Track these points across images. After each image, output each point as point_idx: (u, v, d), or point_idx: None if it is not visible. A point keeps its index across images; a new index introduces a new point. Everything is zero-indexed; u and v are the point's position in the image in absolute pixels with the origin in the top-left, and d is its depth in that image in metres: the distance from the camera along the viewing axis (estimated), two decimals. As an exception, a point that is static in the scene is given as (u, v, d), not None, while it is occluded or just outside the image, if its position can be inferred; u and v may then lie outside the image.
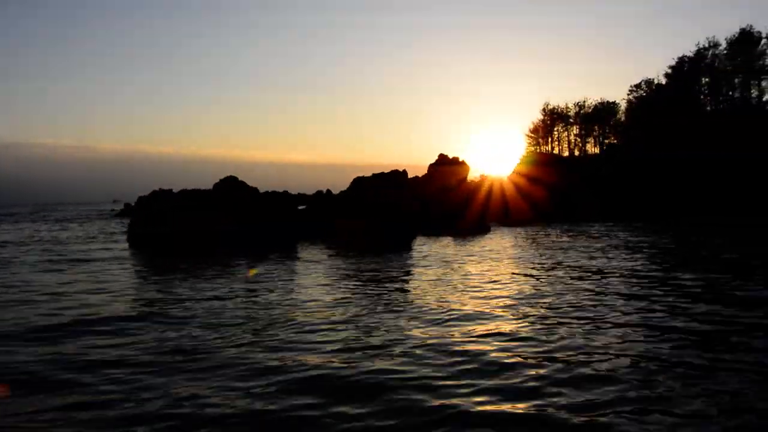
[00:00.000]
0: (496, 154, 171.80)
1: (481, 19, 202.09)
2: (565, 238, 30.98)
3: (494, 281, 15.47)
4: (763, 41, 68.41)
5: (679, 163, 66.19)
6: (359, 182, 33.83)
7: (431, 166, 69.74)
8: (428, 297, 12.96)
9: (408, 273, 17.65)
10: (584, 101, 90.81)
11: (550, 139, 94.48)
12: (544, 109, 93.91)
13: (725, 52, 70.63)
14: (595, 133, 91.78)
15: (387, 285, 14.84)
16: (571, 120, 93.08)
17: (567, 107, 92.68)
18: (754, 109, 68.20)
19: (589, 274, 16.66)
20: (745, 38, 68.70)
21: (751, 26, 69.11)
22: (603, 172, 62.32)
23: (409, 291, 14.08)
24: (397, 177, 33.00)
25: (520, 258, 21.22)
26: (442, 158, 73.11)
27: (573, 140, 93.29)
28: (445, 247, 26.41)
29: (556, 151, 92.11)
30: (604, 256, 21.60)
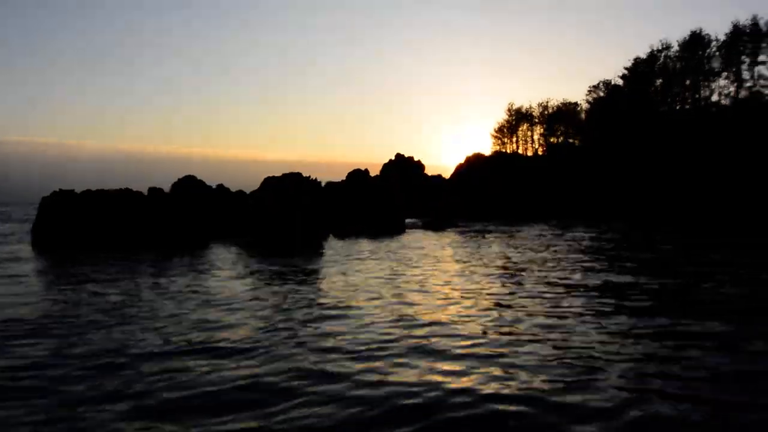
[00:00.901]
0: (464, 152, 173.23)
1: (454, 16, 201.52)
2: (479, 237, 31.84)
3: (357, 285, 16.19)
4: (713, 44, 69.44)
5: (625, 164, 67.30)
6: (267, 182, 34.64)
7: (385, 166, 70.61)
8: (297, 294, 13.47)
9: (304, 271, 18.37)
10: (547, 101, 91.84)
11: (515, 139, 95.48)
12: (509, 109, 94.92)
13: (677, 54, 71.64)
14: (559, 132, 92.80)
15: (280, 281, 15.40)
16: (536, 120, 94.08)
17: (531, 107, 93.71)
18: (702, 111, 69.22)
19: (439, 273, 17.39)
20: (695, 41, 69.70)
21: (701, 29, 70.15)
22: (543, 173, 63.12)
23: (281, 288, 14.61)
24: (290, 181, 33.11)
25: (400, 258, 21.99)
26: (399, 158, 74.04)
27: (537, 140, 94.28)
28: (344, 248, 27.17)
29: (521, 150, 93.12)
30: (478, 254, 22.42)
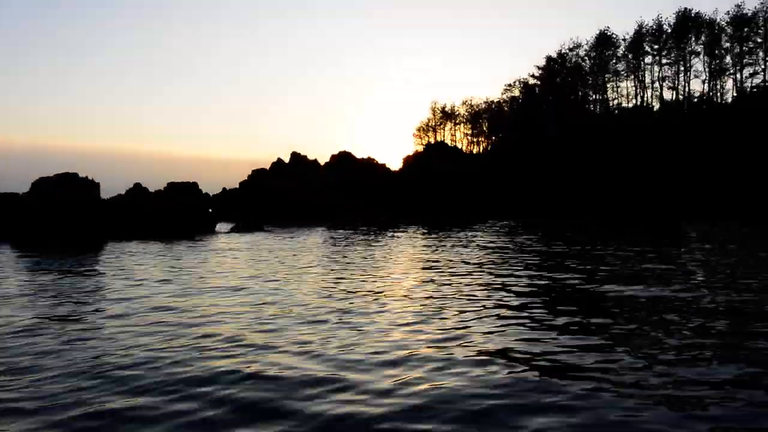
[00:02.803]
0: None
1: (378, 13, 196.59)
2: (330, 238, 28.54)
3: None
4: (622, 44, 67.61)
5: (535, 165, 65.22)
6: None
7: (273, 164, 67.55)
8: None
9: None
10: (471, 99, 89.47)
11: (439, 138, 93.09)
12: (432, 108, 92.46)
13: (585, 53, 69.74)
14: (485, 131, 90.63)
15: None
16: (461, 119, 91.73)
17: (454, 106, 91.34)
18: (606, 112, 67.51)
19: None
20: (603, 41, 67.80)
21: (608, 27, 68.33)
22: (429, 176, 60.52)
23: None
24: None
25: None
26: (295, 157, 70.97)
27: (462, 138, 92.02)
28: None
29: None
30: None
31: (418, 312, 10.05)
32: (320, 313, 9.97)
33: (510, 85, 78.73)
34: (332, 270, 16.32)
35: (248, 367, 6.75)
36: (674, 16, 63.98)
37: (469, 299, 11.24)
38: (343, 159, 48.89)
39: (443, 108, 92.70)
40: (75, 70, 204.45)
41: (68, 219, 28.61)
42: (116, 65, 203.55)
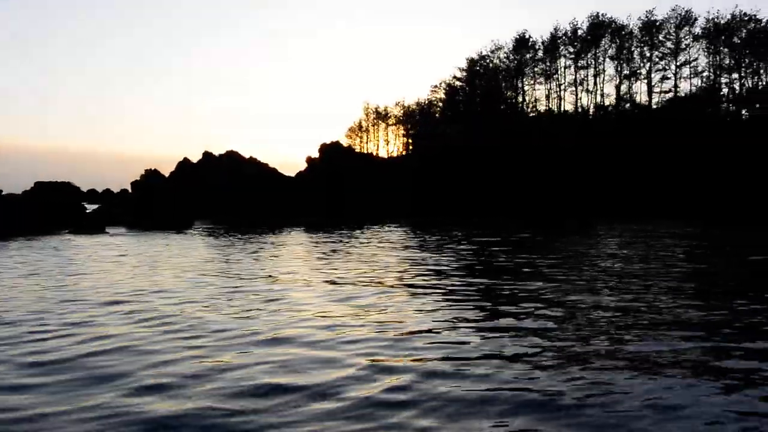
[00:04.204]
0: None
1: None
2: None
3: None
4: (540, 47, 67.90)
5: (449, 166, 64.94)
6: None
7: (179, 164, 65.74)
8: None
9: None
10: (403, 100, 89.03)
11: (372, 139, 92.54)
12: (365, 109, 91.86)
13: (506, 55, 69.87)
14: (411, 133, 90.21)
15: None
16: (395, 119, 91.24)
17: (386, 107, 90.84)
18: (525, 114, 67.79)
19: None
20: (521, 44, 68.00)
21: (525, 30, 68.61)
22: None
23: None
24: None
25: None
26: (206, 156, 69.12)
27: (394, 140, 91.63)
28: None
29: (376, 151, 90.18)
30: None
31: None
32: None
33: (436, 86, 78.50)
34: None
35: None
36: (588, 20, 64.62)
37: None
38: (231, 159, 47.53)
39: (376, 109, 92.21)
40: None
41: None
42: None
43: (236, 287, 12.80)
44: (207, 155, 64.13)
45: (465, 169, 63.61)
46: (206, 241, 27.50)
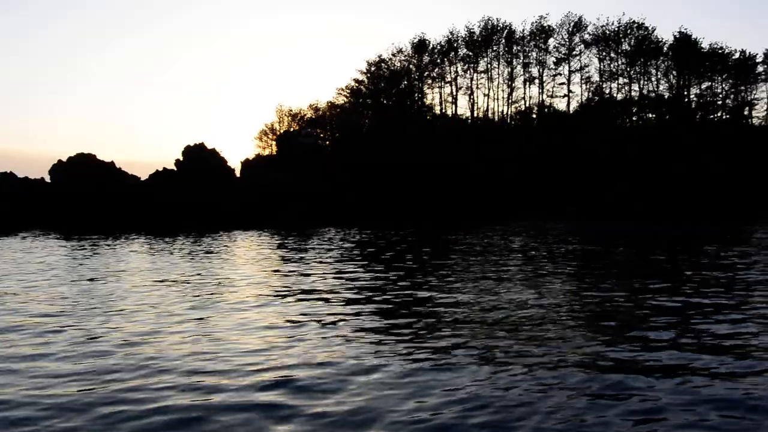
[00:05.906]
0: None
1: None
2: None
3: None
4: (437, 49, 67.15)
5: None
6: None
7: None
8: None
9: None
10: (317, 102, 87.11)
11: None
12: (278, 111, 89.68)
13: (406, 58, 68.89)
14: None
15: None
16: (307, 122, 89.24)
17: (301, 109, 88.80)
18: (423, 116, 66.95)
19: None
20: (420, 47, 67.13)
21: (424, 33, 67.81)
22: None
23: None
24: None
25: None
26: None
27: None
28: None
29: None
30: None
31: None
32: None
33: (342, 89, 76.94)
34: None
35: None
36: (480, 24, 64.16)
37: None
38: (81, 163, 44.70)
39: (290, 111, 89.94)
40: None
41: None
42: None
43: None
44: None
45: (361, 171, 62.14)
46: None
